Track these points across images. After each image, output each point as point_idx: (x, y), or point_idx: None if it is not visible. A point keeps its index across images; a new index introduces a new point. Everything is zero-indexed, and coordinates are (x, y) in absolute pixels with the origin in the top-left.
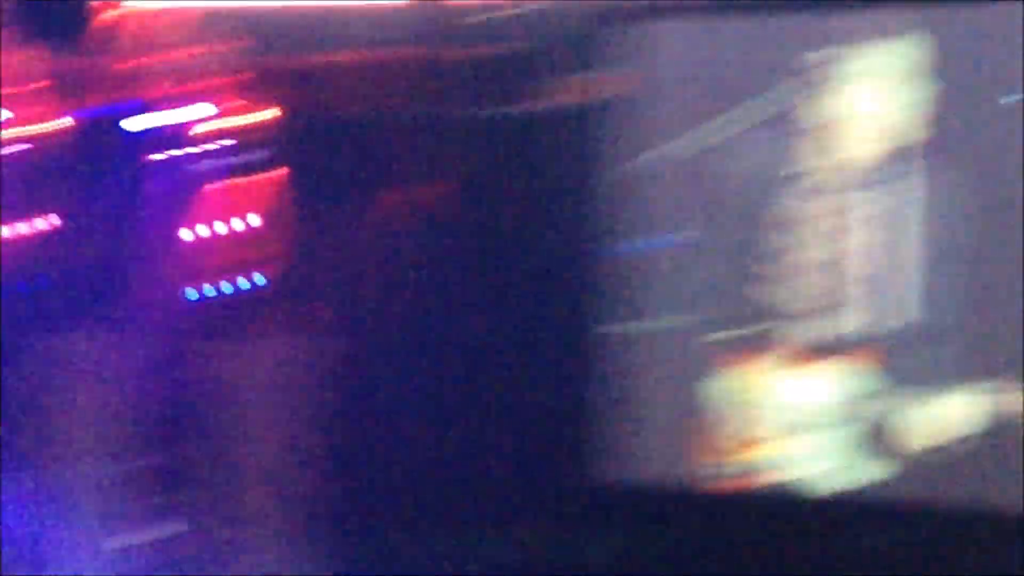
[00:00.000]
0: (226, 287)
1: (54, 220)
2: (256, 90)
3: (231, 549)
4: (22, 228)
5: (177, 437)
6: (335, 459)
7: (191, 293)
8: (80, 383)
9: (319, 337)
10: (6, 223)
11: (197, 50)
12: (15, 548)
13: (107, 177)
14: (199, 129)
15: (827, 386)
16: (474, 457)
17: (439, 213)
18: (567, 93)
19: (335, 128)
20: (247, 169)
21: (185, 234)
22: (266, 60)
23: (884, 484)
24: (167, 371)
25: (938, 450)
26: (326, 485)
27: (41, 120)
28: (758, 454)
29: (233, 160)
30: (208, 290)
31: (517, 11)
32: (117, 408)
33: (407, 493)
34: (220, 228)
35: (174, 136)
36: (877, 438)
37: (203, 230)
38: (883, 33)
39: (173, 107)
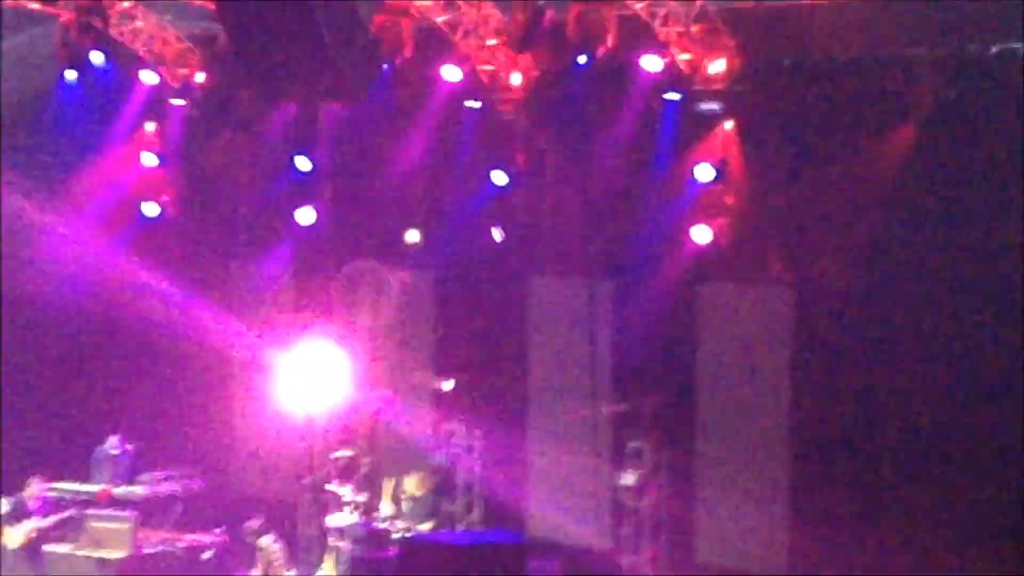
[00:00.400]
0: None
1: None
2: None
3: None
4: (500, 179)
5: (676, 381)
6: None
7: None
8: (573, 328)
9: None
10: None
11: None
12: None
13: (610, 122)
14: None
15: None
16: None
17: None
18: None
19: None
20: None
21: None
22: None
23: None
24: (665, 315)
25: None
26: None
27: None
28: None
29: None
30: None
31: None
32: (608, 354)
33: None
34: (707, 174)
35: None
36: None
37: (705, 173)
38: None
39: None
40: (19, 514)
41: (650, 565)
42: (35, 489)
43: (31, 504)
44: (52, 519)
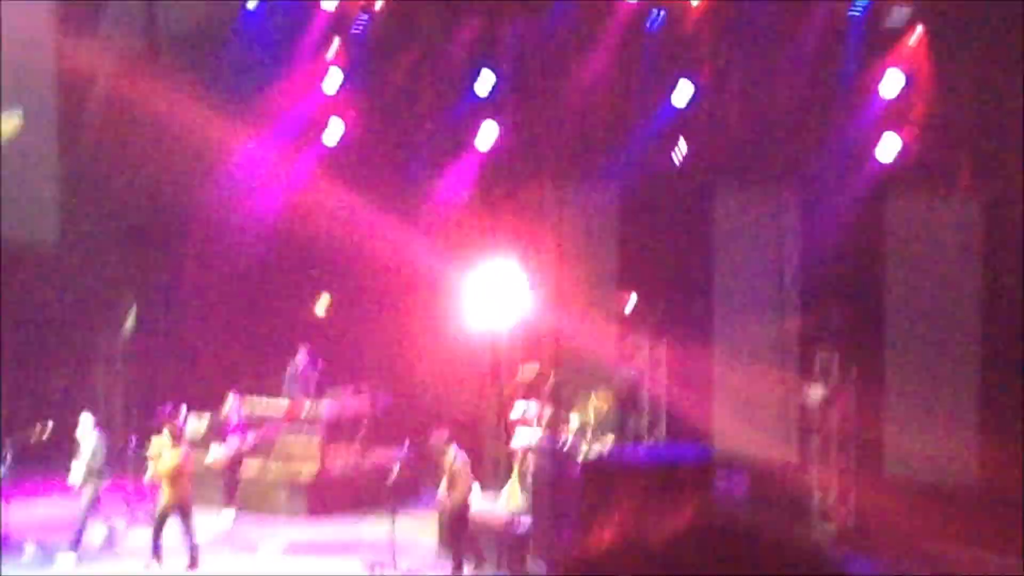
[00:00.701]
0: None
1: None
2: None
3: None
4: (684, 92)
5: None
6: None
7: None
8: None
9: None
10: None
11: None
12: None
13: (796, 32)
14: None
15: None
16: None
17: None
18: None
19: None
20: None
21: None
22: None
23: None
24: (853, 227)
25: None
26: None
27: None
28: None
29: None
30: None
31: None
32: (795, 267)
33: None
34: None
35: None
36: None
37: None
38: None
39: None
40: (219, 432)
41: (838, 479)
42: (233, 407)
43: (230, 422)
44: (250, 437)
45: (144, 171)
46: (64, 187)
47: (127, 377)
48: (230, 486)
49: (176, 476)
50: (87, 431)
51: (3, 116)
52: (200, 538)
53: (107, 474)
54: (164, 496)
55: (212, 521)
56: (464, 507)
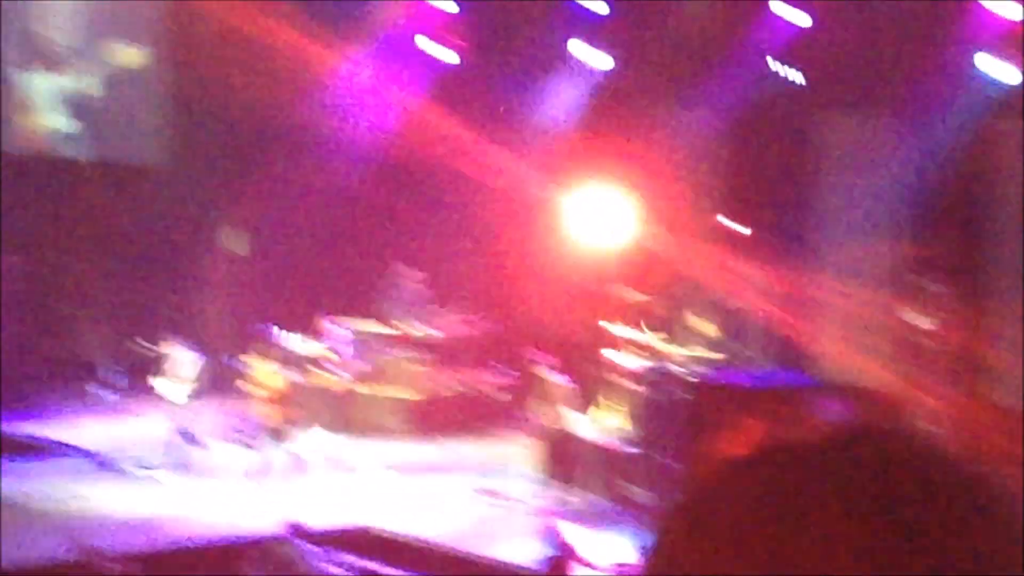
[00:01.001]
0: None
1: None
2: None
3: None
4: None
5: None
6: None
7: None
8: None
9: None
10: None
11: None
12: None
13: None
14: None
15: None
16: None
17: None
18: None
19: None
20: None
21: None
22: None
23: None
24: (963, 153)
25: None
26: None
27: None
28: None
29: None
30: None
31: None
32: (904, 193)
33: None
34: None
35: None
36: None
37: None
38: None
39: None
40: (325, 354)
41: (946, 408)
42: (338, 329)
43: (336, 344)
44: (355, 358)
45: (250, 95)
46: (171, 111)
47: (232, 299)
48: (336, 407)
49: (279, 396)
50: (182, 351)
51: (121, 48)
52: (305, 457)
53: (203, 394)
54: (268, 415)
55: (317, 441)
56: (563, 431)
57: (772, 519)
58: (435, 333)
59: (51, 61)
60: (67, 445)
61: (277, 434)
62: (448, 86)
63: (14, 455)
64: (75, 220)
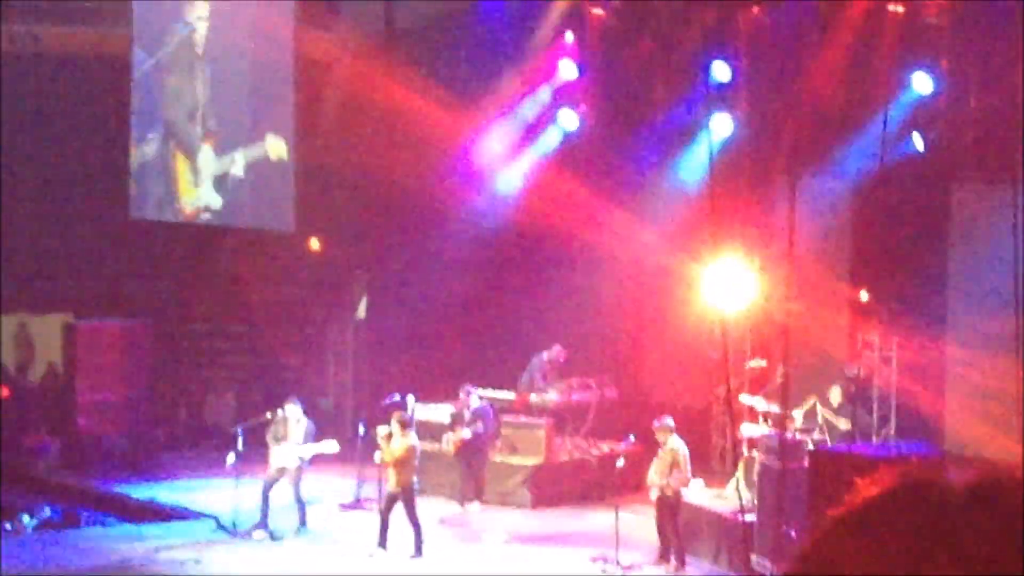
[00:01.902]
0: None
1: None
2: None
3: None
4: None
5: None
6: None
7: None
8: None
9: None
10: None
11: None
12: None
13: None
14: None
15: None
16: None
17: None
18: None
19: None
20: None
21: None
22: None
23: None
24: None
25: None
26: None
27: None
28: None
29: None
30: None
31: None
32: None
33: None
34: None
35: None
36: None
37: None
38: None
39: None
40: (455, 422)
41: None
42: (464, 397)
43: (465, 412)
44: (481, 426)
45: (377, 163)
46: (299, 179)
47: (356, 366)
48: (464, 474)
49: (403, 463)
50: (298, 417)
51: (272, 140)
52: (426, 525)
53: (309, 460)
54: (391, 482)
55: (440, 508)
56: (678, 497)
57: None
58: (560, 401)
59: (199, 141)
60: (190, 509)
61: (401, 499)
62: (574, 155)
63: (138, 519)
64: (205, 286)
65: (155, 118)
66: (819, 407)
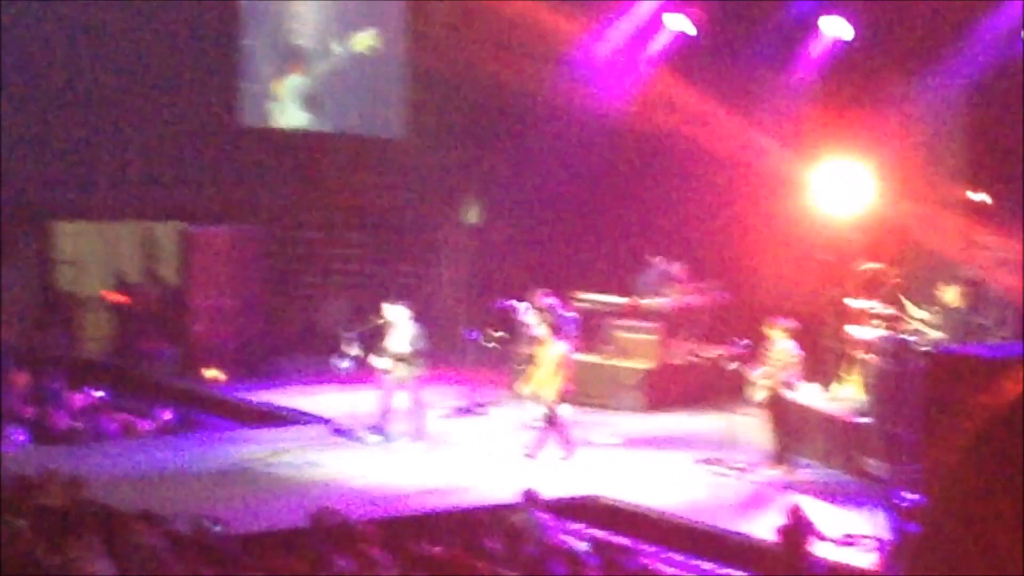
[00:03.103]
0: None
1: None
2: None
3: None
4: None
5: None
6: None
7: None
8: None
9: None
10: None
11: None
12: None
13: None
14: None
15: None
16: None
17: None
18: None
19: None
20: None
21: None
22: None
23: None
24: None
25: None
26: None
27: None
28: None
29: None
30: None
31: None
32: None
33: None
34: None
35: None
36: None
37: None
38: None
39: None
40: (554, 327)
41: None
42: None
43: (564, 317)
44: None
45: (488, 68)
46: (412, 85)
47: (470, 270)
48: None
49: (561, 367)
50: (403, 320)
51: (359, 33)
52: (534, 431)
53: (422, 364)
54: (546, 388)
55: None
56: (796, 402)
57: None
58: (671, 304)
59: (298, 56)
60: (305, 413)
61: (513, 404)
62: (689, 58)
63: (254, 423)
64: (317, 193)
65: (261, 23)
66: (934, 309)
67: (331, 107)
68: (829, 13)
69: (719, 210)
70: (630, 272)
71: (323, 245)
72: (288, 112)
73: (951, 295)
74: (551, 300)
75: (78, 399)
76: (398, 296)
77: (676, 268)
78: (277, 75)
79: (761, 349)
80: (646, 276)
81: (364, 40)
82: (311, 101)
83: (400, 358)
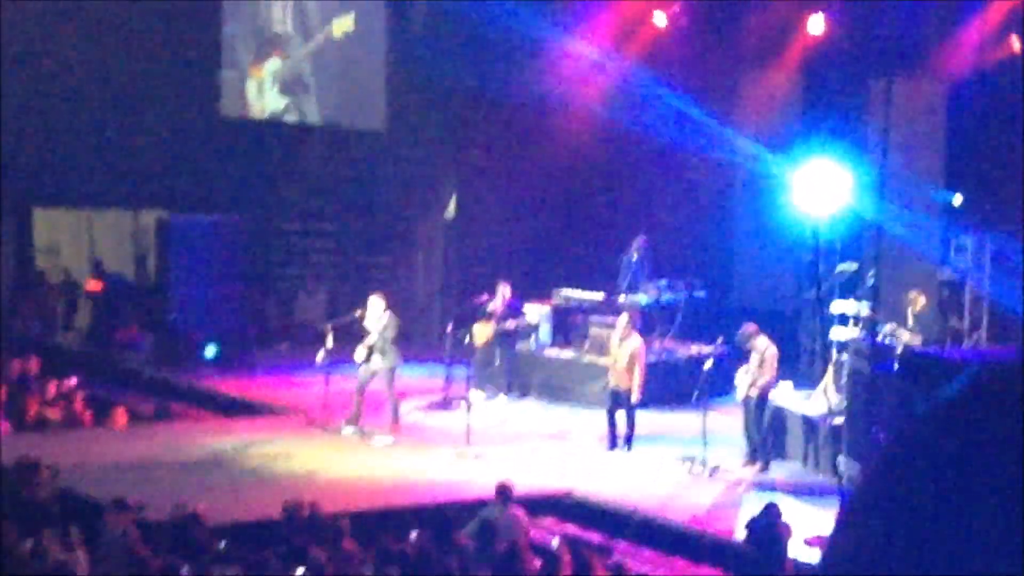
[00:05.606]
0: None
1: None
2: None
3: None
4: None
5: None
6: None
7: None
8: None
9: None
10: None
11: None
12: None
13: None
14: None
15: None
16: None
17: None
18: None
19: None
20: None
21: None
22: None
23: None
24: None
25: None
26: None
27: None
28: None
29: None
30: None
31: None
32: None
33: None
34: None
35: None
36: None
37: None
38: None
39: None
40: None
41: None
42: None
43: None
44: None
45: (467, 61)
46: (391, 76)
47: (447, 263)
48: (549, 374)
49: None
50: (378, 313)
51: (337, 19)
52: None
53: (398, 355)
54: (482, 383)
55: (528, 407)
56: (765, 397)
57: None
58: (647, 301)
59: (277, 42)
60: (280, 404)
61: (488, 399)
62: (665, 54)
63: (229, 414)
64: (296, 184)
65: (242, 9)
66: (909, 310)
67: (311, 92)
68: (814, 10)
69: (698, 209)
70: (607, 268)
71: (302, 237)
72: (267, 96)
73: (920, 298)
74: (508, 290)
75: (53, 387)
76: (375, 288)
77: (638, 242)
78: (256, 60)
79: (741, 349)
80: (623, 269)
81: (343, 24)
82: (290, 85)
83: (375, 349)
